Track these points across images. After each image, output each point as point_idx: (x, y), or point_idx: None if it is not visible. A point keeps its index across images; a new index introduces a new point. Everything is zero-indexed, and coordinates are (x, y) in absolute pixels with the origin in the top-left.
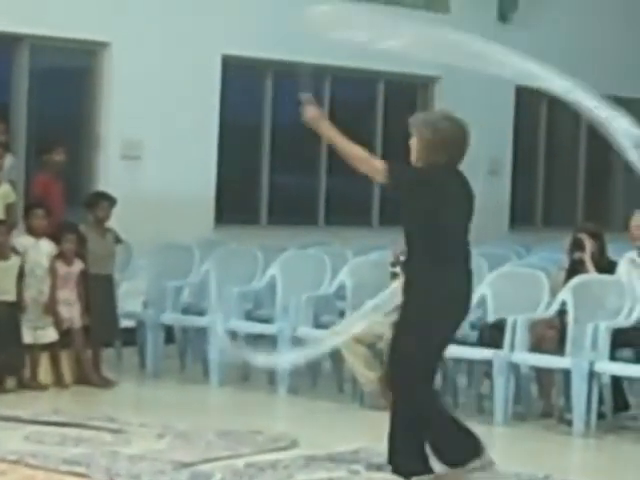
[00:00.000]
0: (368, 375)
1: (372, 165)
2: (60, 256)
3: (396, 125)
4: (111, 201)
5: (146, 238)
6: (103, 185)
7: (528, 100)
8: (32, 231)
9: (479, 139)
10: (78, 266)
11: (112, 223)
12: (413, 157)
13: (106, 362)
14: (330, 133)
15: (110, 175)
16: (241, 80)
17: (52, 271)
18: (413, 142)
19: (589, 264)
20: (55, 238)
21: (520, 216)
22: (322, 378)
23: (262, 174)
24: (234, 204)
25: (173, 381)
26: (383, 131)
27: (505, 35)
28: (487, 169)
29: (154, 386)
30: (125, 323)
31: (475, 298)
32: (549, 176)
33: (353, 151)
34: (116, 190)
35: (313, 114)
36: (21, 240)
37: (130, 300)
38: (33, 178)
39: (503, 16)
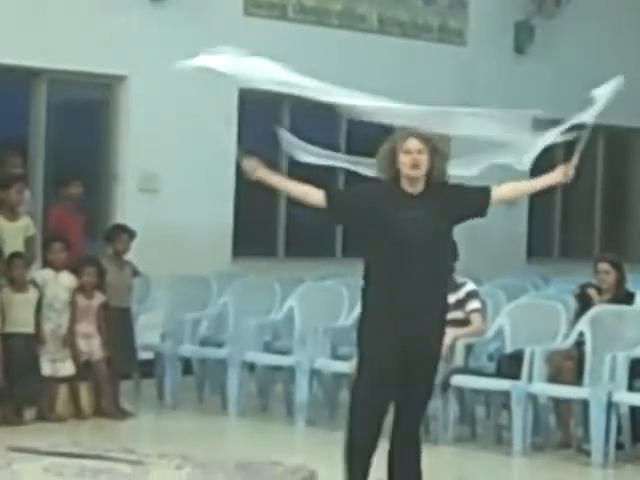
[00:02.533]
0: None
1: (311, 198)
2: (80, 289)
3: None
4: (130, 234)
5: (164, 270)
6: (121, 218)
7: (544, 132)
8: (51, 264)
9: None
10: (98, 299)
11: (130, 256)
12: (426, 172)
13: (124, 394)
14: (271, 179)
15: (128, 208)
16: (258, 112)
17: (72, 304)
18: (426, 158)
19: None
20: (75, 271)
21: (537, 247)
22: (340, 409)
23: (279, 206)
24: (251, 236)
25: (191, 412)
26: None
27: (521, 67)
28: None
29: (172, 417)
30: (143, 355)
31: (493, 329)
32: (566, 207)
33: (294, 190)
34: (134, 223)
35: (250, 165)
36: (41, 273)
37: (148, 332)
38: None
39: (519, 48)
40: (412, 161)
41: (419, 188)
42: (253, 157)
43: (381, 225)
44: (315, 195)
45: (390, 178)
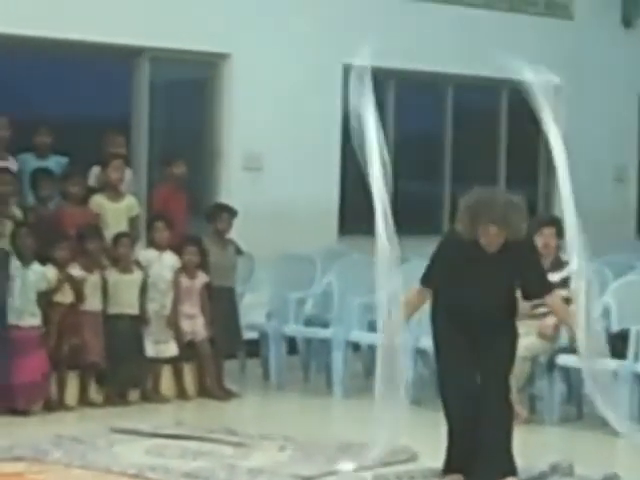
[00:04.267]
0: None
1: (417, 302)
2: (183, 269)
3: (520, 134)
4: (231, 213)
5: (269, 250)
6: (225, 197)
7: None
8: (155, 244)
9: (603, 147)
10: (201, 279)
11: (234, 235)
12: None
13: (230, 374)
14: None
15: (232, 187)
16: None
17: (175, 284)
18: (503, 236)
19: None
20: (178, 251)
21: None
22: None
23: (386, 182)
24: (358, 214)
25: (296, 393)
26: (507, 140)
27: (629, 40)
28: (613, 176)
29: (277, 398)
30: (248, 335)
31: (599, 308)
32: None
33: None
34: (238, 202)
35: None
36: (145, 253)
37: (253, 312)
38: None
39: (627, 21)
40: (489, 242)
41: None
42: None
43: (455, 278)
44: (418, 298)
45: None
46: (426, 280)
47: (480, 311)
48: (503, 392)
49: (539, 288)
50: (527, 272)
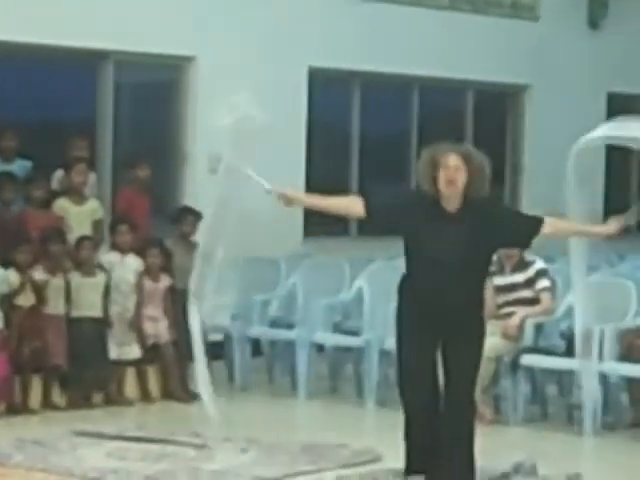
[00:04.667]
0: None
1: (352, 210)
2: (146, 272)
3: (486, 134)
4: (197, 216)
5: (233, 252)
6: (191, 199)
7: (620, 106)
8: (117, 247)
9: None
10: (165, 282)
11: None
12: (462, 188)
13: (194, 376)
14: (306, 200)
15: (198, 189)
16: (328, 92)
17: (138, 287)
18: (462, 175)
19: None
20: (141, 253)
21: None
22: None
23: (351, 184)
24: (323, 216)
25: (261, 394)
26: (473, 141)
27: (595, 42)
28: (580, 178)
29: (242, 399)
30: (213, 337)
31: (563, 307)
32: None
33: (333, 205)
34: (204, 204)
35: (283, 196)
36: (107, 256)
37: (218, 314)
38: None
39: (593, 23)
40: (448, 177)
41: (456, 205)
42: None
43: (415, 242)
44: (355, 207)
45: (430, 190)
46: (369, 201)
47: (447, 265)
48: (468, 390)
49: (533, 226)
50: (509, 223)
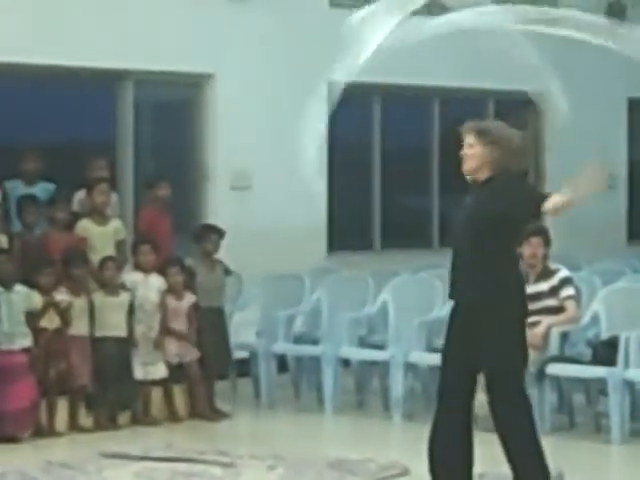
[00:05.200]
0: (481, 398)
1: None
2: (169, 290)
3: None
4: (219, 233)
5: (257, 269)
6: (213, 217)
7: None
8: (140, 267)
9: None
10: (189, 299)
11: (223, 254)
12: (475, 165)
13: (221, 394)
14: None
15: (220, 206)
16: (348, 105)
17: (162, 306)
18: (475, 151)
19: None
20: (163, 272)
21: (638, 230)
22: None
23: (374, 198)
24: (346, 230)
25: (288, 410)
26: None
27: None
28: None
29: (269, 416)
30: (239, 354)
31: (588, 315)
32: None
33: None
34: (227, 221)
35: None
36: (130, 276)
37: (243, 331)
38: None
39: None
40: (462, 156)
41: (483, 177)
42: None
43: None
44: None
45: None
46: None
47: (459, 252)
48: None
49: (537, 200)
50: (513, 195)
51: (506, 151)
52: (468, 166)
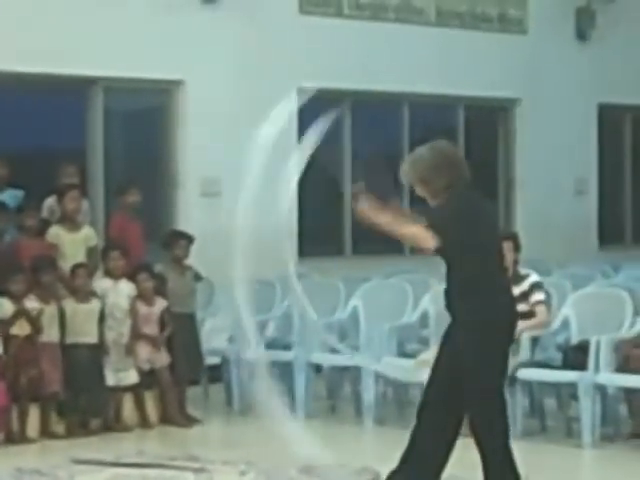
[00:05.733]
0: (424, 356)
1: (421, 239)
2: (140, 296)
3: (478, 150)
4: (189, 239)
5: (229, 275)
6: (184, 223)
7: (611, 117)
8: (110, 273)
9: (563, 159)
10: (160, 305)
11: (194, 260)
12: (430, 198)
13: (193, 400)
14: (381, 220)
15: (190, 213)
16: (318, 111)
17: (133, 312)
18: (419, 189)
19: None
20: (133, 279)
21: (609, 235)
22: (409, 408)
23: (344, 204)
24: (317, 236)
25: (259, 417)
26: (465, 156)
27: (584, 53)
28: (573, 189)
29: (240, 422)
30: (211, 360)
31: (559, 320)
32: (637, 192)
33: (403, 234)
34: (197, 227)
35: (364, 209)
36: (100, 283)
37: (215, 337)
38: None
39: (582, 34)
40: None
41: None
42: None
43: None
44: (422, 235)
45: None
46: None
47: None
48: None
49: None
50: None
51: (426, 172)
52: (420, 193)
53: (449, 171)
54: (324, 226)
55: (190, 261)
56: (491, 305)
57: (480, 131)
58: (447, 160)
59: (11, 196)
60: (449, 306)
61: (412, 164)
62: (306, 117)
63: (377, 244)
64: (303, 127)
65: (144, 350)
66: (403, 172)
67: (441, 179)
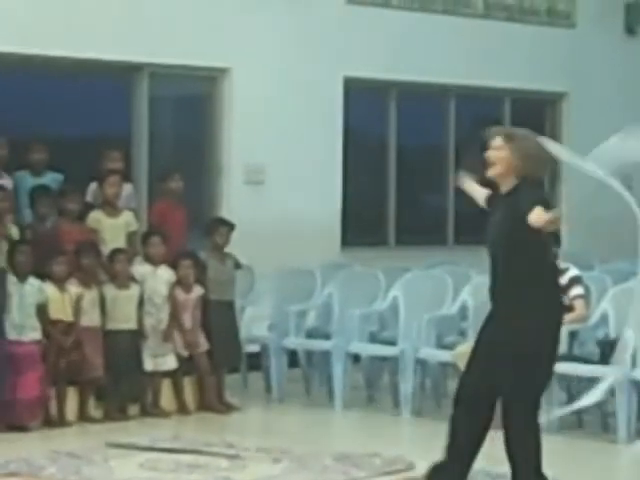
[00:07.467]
0: (460, 348)
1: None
2: (178, 283)
3: None
4: (230, 227)
5: (271, 263)
6: (227, 211)
7: None
8: (149, 259)
9: None
10: (197, 292)
11: (235, 248)
12: (502, 170)
13: (232, 387)
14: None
15: (234, 201)
16: (364, 102)
17: (171, 298)
18: (502, 155)
19: None
20: (174, 265)
21: None
22: (446, 399)
23: (389, 195)
24: (361, 226)
25: (298, 405)
26: None
27: (632, 48)
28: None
29: (279, 410)
30: (250, 348)
31: (597, 315)
32: None
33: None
34: (239, 215)
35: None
36: (139, 268)
37: (255, 325)
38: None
39: (630, 28)
40: (487, 158)
41: (506, 187)
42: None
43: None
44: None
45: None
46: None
47: (492, 257)
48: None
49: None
50: (521, 202)
51: (531, 158)
52: (494, 171)
53: (545, 163)
54: (368, 217)
55: (232, 249)
56: (556, 291)
57: (526, 124)
58: (548, 153)
59: (51, 180)
60: (509, 288)
61: (522, 139)
62: (352, 107)
63: (421, 235)
64: (349, 116)
65: (182, 336)
66: (501, 141)
67: (536, 166)
